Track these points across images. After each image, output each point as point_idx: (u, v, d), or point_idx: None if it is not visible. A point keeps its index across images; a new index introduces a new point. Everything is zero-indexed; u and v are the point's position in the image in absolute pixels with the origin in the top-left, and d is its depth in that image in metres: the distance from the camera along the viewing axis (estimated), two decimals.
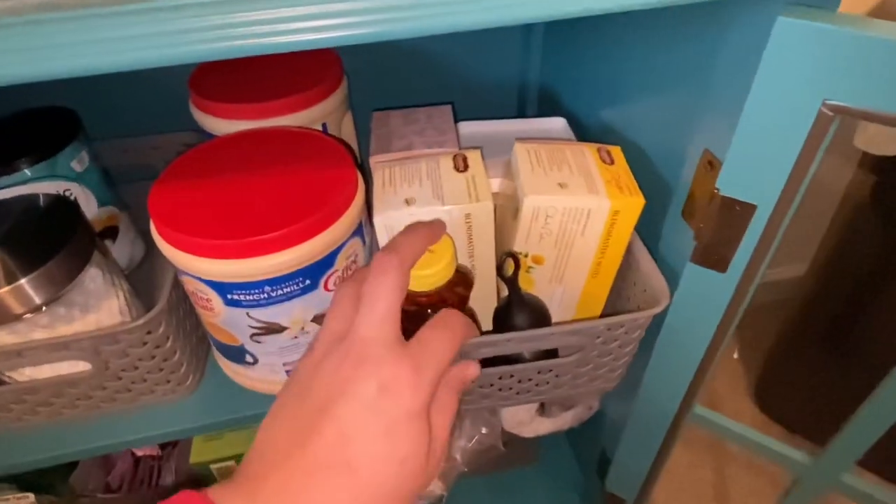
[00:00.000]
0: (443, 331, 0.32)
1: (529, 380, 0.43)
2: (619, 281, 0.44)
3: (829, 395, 0.97)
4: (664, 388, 0.46)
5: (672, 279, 0.40)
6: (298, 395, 0.30)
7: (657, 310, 0.39)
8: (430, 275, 0.36)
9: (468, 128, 0.51)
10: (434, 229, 0.37)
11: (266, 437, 0.30)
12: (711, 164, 0.35)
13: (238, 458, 0.64)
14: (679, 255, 0.40)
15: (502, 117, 0.72)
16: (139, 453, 0.70)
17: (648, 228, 0.43)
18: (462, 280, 0.40)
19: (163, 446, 0.71)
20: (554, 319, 0.45)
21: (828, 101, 0.28)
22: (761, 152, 0.31)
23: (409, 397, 0.29)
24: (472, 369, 0.35)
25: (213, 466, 0.65)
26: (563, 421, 0.64)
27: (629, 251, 0.42)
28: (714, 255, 0.36)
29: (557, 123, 0.51)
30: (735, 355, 1.25)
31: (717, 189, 0.33)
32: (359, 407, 0.28)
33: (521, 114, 0.73)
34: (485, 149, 0.45)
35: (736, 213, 0.33)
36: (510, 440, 0.66)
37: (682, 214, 0.39)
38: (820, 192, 1.00)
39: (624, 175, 0.40)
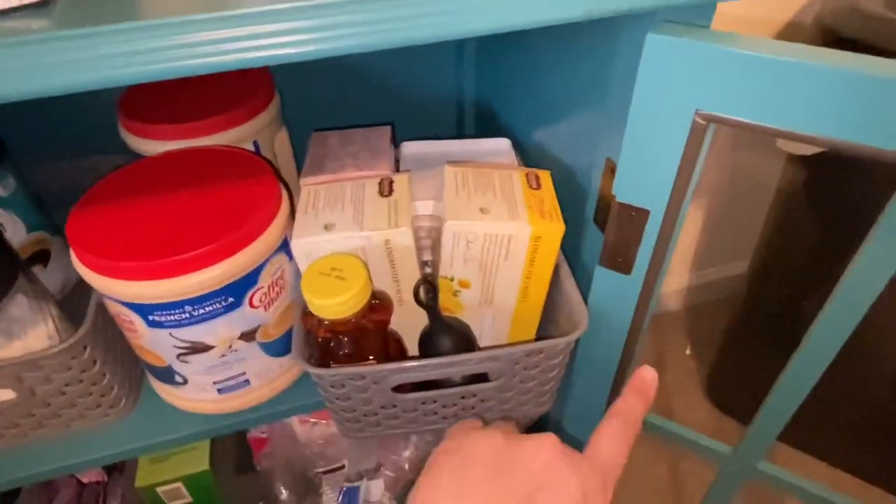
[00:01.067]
0: (622, 438, 0.32)
1: (454, 405, 0.43)
2: (548, 303, 0.44)
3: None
4: (591, 387, 0.47)
5: (591, 281, 0.42)
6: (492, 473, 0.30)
7: (574, 336, 0.39)
8: (341, 303, 0.36)
9: (411, 148, 0.51)
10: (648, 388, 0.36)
11: None
12: (612, 172, 0.36)
13: (185, 479, 0.63)
14: (596, 259, 0.41)
15: (442, 132, 0.75)
16: (84, 479, 0.69)
17: (569, 234, 0.44)
18: (380, 306, 0.40)
19: (108, 471, 0.70)
20: (488, 342, 0.46)
21: (700, 111, 0.30)
22: (648, 160, 0.32)
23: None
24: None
25: (160, 489, 0.64)
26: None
27: (556, 274, 0.43)
28: (618, 258, 0.38)
29: (502, 144, 0.50)
30: (688, 351, 1.29)
31: (614, 196, 0.35)
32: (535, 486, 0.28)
33: (460, 128, 0.74)
34: (426, 169, 0.45)
35: (632, 218, 0.35)
36: None
37: (594, 220, 0.41)
38: (760, 188, 1.04)
39: (548, 200, 0.40)
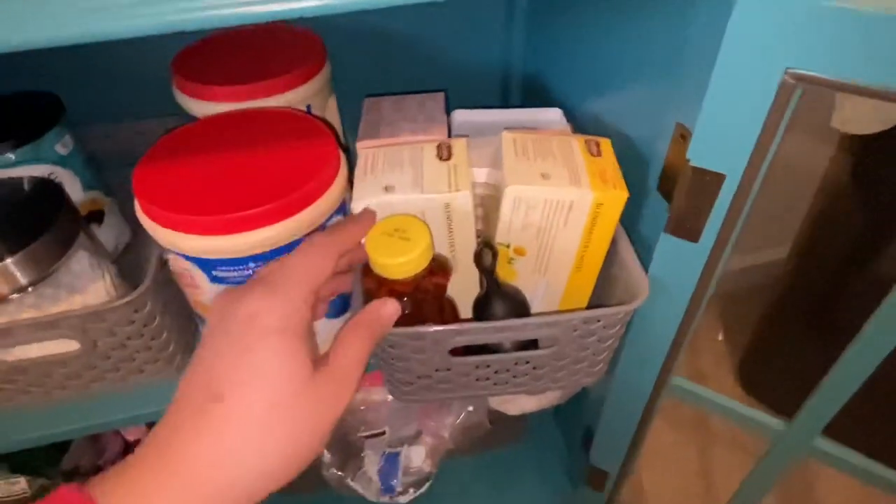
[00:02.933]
0: (304, 250, 0.34)
1: (507, 371, 0.43)
2: (602, 274, 0.43)
3: (810, 375, 1.00)
4: (642, 360, 0.47)
5: (648, 252, 0.41)
6: None
7: (635, 305, 0.39)
8: (404, 263, 0.36)
9: (463, 116, 0.50)
10: (363, 224, 0.38)
11: None
12: (684, 137, 0.36)
13: None
14: (655, 229, 0.41)
15: (487, 101, 0.74)
16: (130, 438, 0.71)
17: (626, 204, 0.44)
18: (439, 269, 0.40)
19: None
20: (538, 311, 0.45)
21: (790, 70, 0.29)
22: (728, 122, 0.32)
23: (264, 317, 0.29)
24: (389, 308, 0.35)
25: None
26: (548, 398, 0.65)
27: (613, 244, 0.42)
28: (686, 225, 0.37)
29: (554, 114, 0.50)
30: (720, 337, 1.27)
31: (689, 160, 0.34)
32: (219, 338, 0.29)
33: (506, 98, 0.73)
34: (478, 138, 0.44)
35: (706, 183, 0.34)
36: (496, 418, 0.67)
37: (658, 188, 0.40)
38: (800, 175, 1.02)
39: (610, 167, 0.39)
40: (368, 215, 0.38)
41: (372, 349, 0.34)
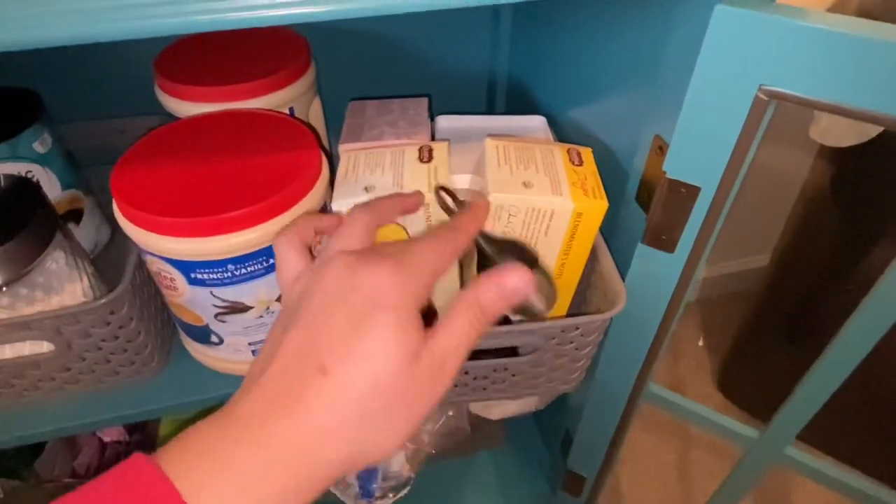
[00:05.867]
0: (430, 239, 0.31)
1: (485, 377, 0.44)
2: (581, 283, 0.44)
3: (788, 381, 1.01)
4: (619, 367, 0.48)
5: (626, 261, 0.42)
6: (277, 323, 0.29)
7: (612, 313, 0.39)
8: None
9: (446, 122, 0.50)
10: (410, 200, 0.37)
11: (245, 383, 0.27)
12: (661, 150, 0.36)
13: None
14: (633, 239, 0.41)
15: (472, 108, 0.74)
16: (106, 439, 0.70)
17: (606, 213, 0.44)
18: None
19: (130, 431, 0.71)
20: (519, 319, 0.46)
21: (763, 87, 0.29)
22: (704, 136, 0.32)
23: (389, 294, 0.27)
24: (515, 277, 0.30)
25: None
26: (529, 403, 0.66)
27: (592, 253, 0.42)
28: (662, 236, 0.37)
29: (537, 121, 0.50)
30: (700, 343, 1.29)
31: (665, 172, 0.35)
32: (336, 305, 0.27)
33: (491, 105, 0.74)
34: (461, 144, 0.45)
35: (682, 195, 0.35)
36: (477, 422, 0.68)
37: (636, 199, 0.41)
38: (781, 183, 1.03)
39: (591, 177, 0.40)
40: (482, 209, 0.36)
41: (480, 334, 0.29)
